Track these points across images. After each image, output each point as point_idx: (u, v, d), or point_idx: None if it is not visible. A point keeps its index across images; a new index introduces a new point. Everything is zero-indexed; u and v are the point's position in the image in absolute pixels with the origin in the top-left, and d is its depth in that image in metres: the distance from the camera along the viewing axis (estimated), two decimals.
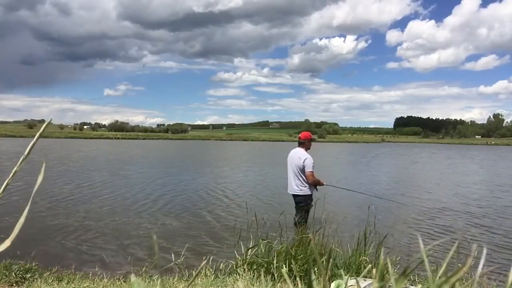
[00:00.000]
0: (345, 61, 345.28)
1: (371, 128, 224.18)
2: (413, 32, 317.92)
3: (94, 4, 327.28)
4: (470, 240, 6.52)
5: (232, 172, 18.22)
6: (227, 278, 3.85)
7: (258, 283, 3.58)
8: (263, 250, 4.15)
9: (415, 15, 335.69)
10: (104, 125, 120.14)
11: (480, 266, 0.50)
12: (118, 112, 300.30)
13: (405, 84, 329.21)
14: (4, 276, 3.76)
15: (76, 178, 13.66)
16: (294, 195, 6.30)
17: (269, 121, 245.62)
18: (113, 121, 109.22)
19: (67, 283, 3.82)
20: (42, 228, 6.65)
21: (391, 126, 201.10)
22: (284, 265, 3.81)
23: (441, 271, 0.47)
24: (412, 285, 2.82)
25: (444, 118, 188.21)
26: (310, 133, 6.72)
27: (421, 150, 53.45)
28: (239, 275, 3.88)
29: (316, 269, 2.24)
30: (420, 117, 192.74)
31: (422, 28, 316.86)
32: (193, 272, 4.19)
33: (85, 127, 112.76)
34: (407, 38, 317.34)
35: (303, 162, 6.09)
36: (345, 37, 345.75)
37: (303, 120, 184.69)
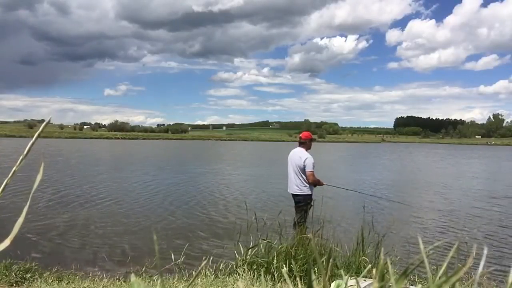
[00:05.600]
0: (345, 61, 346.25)
1: (371, 128, 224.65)
2: (413, 31, 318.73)
3: (93, 4, 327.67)
4: (469, 240, 6.51)
5: (231, 172, 18.21)
6: (227, 278, 3.84)
7: (258, 283, 3.57)
8: (263, 250, 4.15)
9: (416, 15, 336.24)
10: (104, 125, 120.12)
11: (481, 266, 0.50)
12: (118, 112, 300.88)
13: (406, 84, 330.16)
14: (4, 276, 3.76)
15: (76, 178, 13.66)
16: (294, 195, 6.30)
17: (269, 121, 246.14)
18: (113, 121, 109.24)
19: (67, 283, 3.82)
20: (42, 228, 6.65)
21: (391, 126, 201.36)
22: (284, 265, 3.81)
23: (441, 271, 0.47)
24: (412, 285, 2.82)
25: (444, 118, 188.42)
26: (310, 133, 6.72)
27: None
28: (239, 275, 3.87)
29: (316, 269, 2.24)
30: (420, 117, 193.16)
31: (422, 27, 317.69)
32: (193, 272, 4.19)
33: (85, 127, 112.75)
34: (407, 38, 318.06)
35: (304, 162, 6.09)
36: (345, 36, 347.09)
37: (303, 120, 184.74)
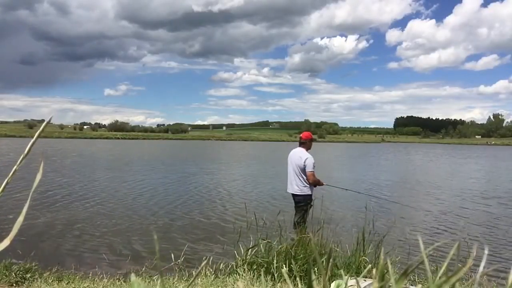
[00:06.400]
0: (345, 61, 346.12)
1: (371, 128, 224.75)
2: (413, 31, 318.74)
3: (93, 4, 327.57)
4: (469, 239, 6.51)
5: (231, 172, 18.21)
6: (227, 278, 3.84)
7: (258, 283, 3.57)
8: (263, 250, 4.14)
9: (416, 15, 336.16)
10: (104, 125, 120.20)
11: (482, 266, 0.50)
12: (118, 112, 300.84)
13: (406, 84, 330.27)
14: (4, 276, 3.76)
15: (76, 177, 13.66)
16: (294, 195, 6.30)
17: (269, 121, 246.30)
18: (113, 121, 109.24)
19: (67, 283, 3.82)
20: (42, 227, 6.65)
21: (391, 126, 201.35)
22: (284, 265, 3.81)
23: (441, 271, 0.47)
24: (412, 285, 2.82)
25: (444, 118, 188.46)
26: (311, 133, 6.73)
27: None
28: (239, 275, 3.87)
29: (316, 269, 2.24)
30: (420, 117, 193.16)
31: (422, 27, 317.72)
32: (193, 272, 4.19)
33: (85, 127, 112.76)
34: (407, 38, 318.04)
35: (304, 162, 6.09)
36: (345, 36, 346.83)
37: (303, 120, 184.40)
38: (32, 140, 0.47)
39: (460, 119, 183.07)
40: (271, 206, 9.12)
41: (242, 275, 3.82)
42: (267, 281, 3.63)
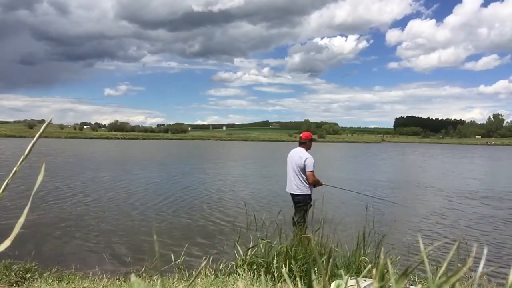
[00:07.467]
0: (345, 61, 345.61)
1: (371, 128, 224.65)
2: (413, 31, 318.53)
3: (92, 3, 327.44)
4: (469, 239, 6.51)
5: (230, 172, 18.21)
6: (227, 278, 3.84)
7: (258, 283, 3.57)
8: (262, 250, 4.15)
9: (416, 15, 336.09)
10: (104, 125, 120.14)
11: (481, 266, 0.50)
12: (118, 112, 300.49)
13: (406, 84, 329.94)
14: (4, 276, 3.76)
15: (76, 178, 13.66)
16: (293, 195, 6.29)
17: (269, 121, 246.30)
18: (113, 121, 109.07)
19: (67, 283, 3.82)
20: (42, 228, 6.65)
21: (391, 126, 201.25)
22: (284, 265, 3.81)
23: (441, 271, 0.47)
24: (412, 285, 2.82)
25: (444, 118, 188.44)
26: (311, 133, 6.73)
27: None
28: (239, 275, 3.87)
29: (316, 269, 2.24)
30: (420, 117, 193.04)
31: (422, 27, 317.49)
32: (193, 272, 4.19)
33: (85, 127, 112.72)
34: (407, 38, 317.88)
35: (304, 162, 6.08)
36: (345, 36, 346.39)
37: (303, 120, 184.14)
38: (33, 141, 0.47)
39: (460, 119, 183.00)
40: (271, 206, 9.11)
41: (242, 275, 3.82)
42: (267, 281, 3.63)
